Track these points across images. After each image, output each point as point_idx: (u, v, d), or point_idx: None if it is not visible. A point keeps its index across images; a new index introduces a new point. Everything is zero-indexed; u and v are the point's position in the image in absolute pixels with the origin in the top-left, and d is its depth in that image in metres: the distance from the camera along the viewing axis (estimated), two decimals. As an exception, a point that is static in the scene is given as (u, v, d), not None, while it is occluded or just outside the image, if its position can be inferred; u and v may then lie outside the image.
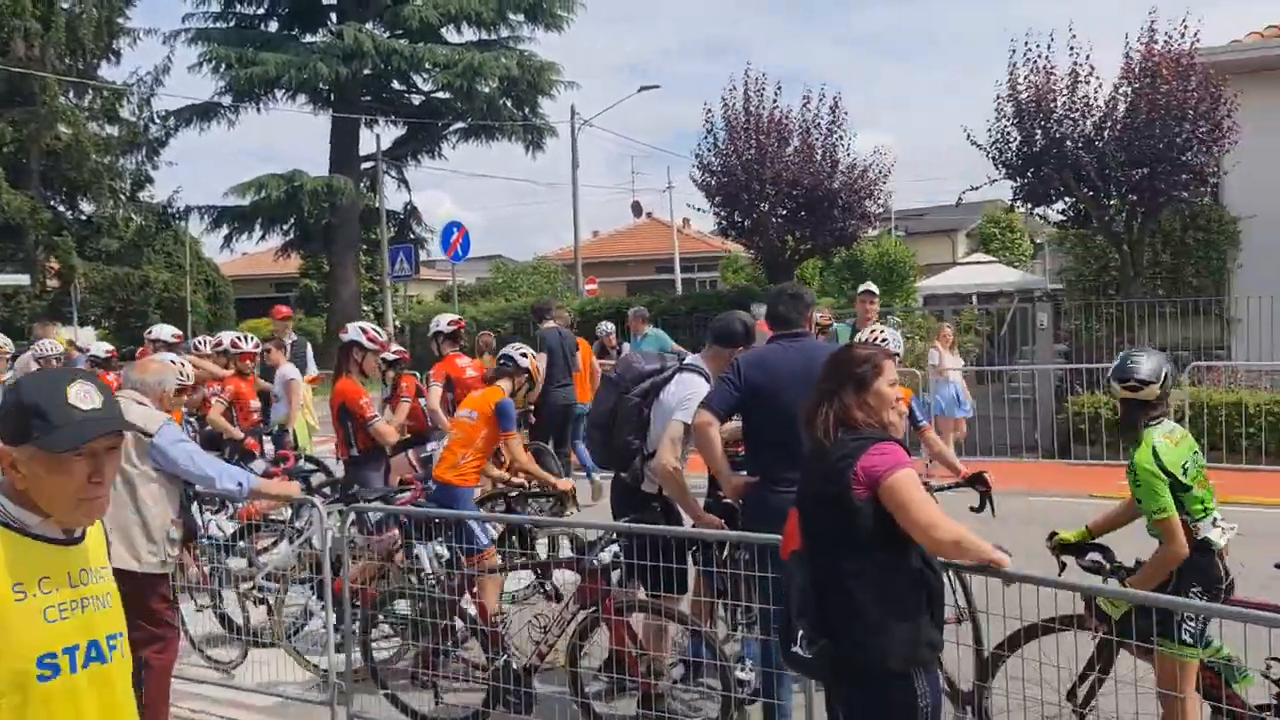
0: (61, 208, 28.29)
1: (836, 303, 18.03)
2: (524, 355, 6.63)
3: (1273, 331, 13.70)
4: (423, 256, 34.48)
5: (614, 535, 5.10)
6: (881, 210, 16.28)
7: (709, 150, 16.67)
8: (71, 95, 26.96)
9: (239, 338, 9.66)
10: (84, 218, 28.24)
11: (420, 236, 31.67)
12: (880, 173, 16.17)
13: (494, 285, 36.10)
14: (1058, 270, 20.51)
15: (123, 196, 27.81)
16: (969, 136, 14.27)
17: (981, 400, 12.86)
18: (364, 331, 7.25)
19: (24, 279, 24.03)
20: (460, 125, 31.50)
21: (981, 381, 14.21)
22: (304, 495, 5.85)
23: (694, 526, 5.13)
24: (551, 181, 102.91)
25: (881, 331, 6.56)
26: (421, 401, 8.91)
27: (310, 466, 10.30)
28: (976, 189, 14.76)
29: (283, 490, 5.66)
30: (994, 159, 14.34)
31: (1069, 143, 13.45)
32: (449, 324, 8.94)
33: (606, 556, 4.98)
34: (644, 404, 5.38)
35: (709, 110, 16.64)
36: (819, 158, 15.87)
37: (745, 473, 5.02)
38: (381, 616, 5.86)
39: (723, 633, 5.67)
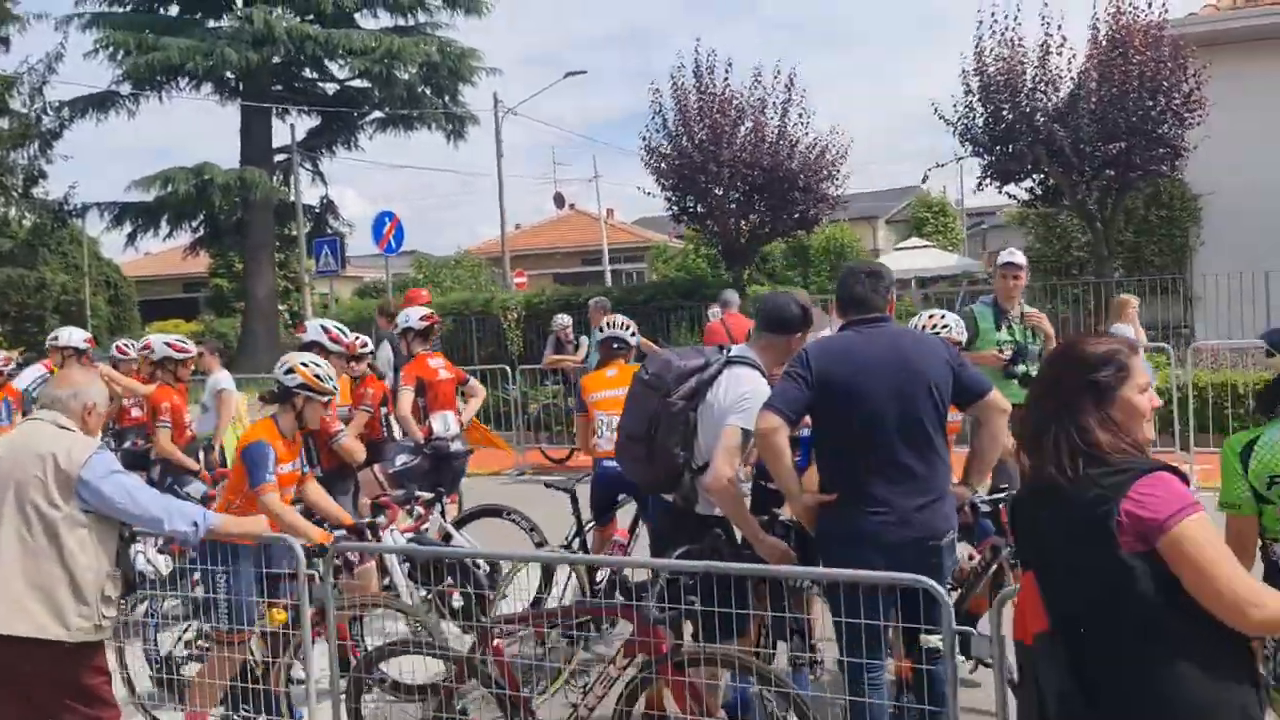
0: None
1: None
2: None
3: (1233, 309, 13.32)
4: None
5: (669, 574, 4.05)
6: (840, 192, 15.49)
7: (658, 132, 15.67)
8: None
9: (178, 342, 8.28)
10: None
11: (340, 230, 29.97)
12: (838, 153, 15.37)
13: (415, 282, 34.57)
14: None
15: (14, 193, 25.56)
16: (936, 111, 13.58)
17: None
18: (325, 330, 6.07)
19: (-94, 283, 21.84)
20: (378, 115, 29.89)
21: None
22: (275, 534, 4.69)
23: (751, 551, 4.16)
24: (470, 173, 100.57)
25: (942, 317, 5.61)
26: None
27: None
28: (942, 166, 14.17)
29: (249, 528, 4.50)
30: (960, 136, 13.67)
31: (1040, 117, 12.82)
32: (420, 319, 7.75)
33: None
34: (689, 408, 4.36)
35: (656, 91, 15.65)
36: (775, 137, 14.98)
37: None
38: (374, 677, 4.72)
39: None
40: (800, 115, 15.09)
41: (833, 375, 3.81)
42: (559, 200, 39.93)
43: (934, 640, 3.47)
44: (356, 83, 29.61)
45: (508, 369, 14.42)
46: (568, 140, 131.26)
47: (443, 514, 6.72)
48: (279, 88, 28.77)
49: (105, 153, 78.93)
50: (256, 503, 4.77)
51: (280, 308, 31.86)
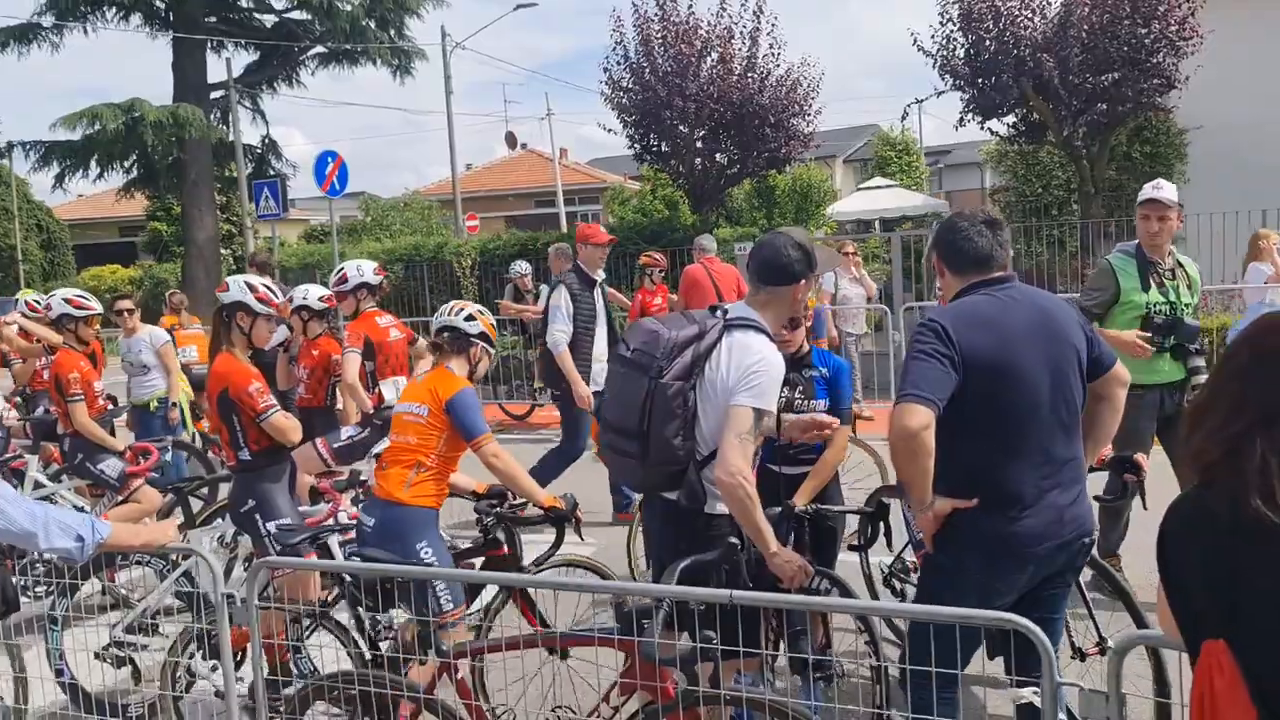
0: None
1: (756, 235, 16.21)
2: (472, 319, 4.59)
3: (1221, 251, 12.69)
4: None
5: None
6: (812, 129, 14.52)
7: (619, 64, 14.58)
8: None
9: (79, 297, 7.23)
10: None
11: (282, 172, 28.45)
12: (810, 87, 14.37)
13: (363, 225, 33.17)
14: (992, 190, 19.26)
15: (-71, 132, 23.80)
16: (915, 42, 12.65)
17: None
18: (251, 289, 5.10)
19: None
20: (320, 49, 28.24)
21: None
22: (182, 543, 3.79)
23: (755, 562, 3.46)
24: (418, 110, 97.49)
25: None
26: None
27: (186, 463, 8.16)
28: (921, 101, 13.24)
29: (149, 537, 3.61)
30: (940, 68, 12.77)
31: (1026, 46, 11.96)
32: (320, 300, 6.79)
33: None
34: (687, 388, 3.50)
35: (618, 19, 14.52)
36: (744, 69, 13.97)
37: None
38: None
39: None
40: (771, 46, 14.05)
41: (978, 350, 3.05)
42: (511, 140, 38.55)
43: (1027, 694, 2.70)
44: (296, 14, 27.90)
45: (462, 319, 13.44)
46: (518, 76, 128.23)
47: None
48: (213, 19, 27.01)
49: (36, 96, 75.25)
50: (479, 454, 4.27)
51: (224, 252, 30.36)
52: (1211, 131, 13.22)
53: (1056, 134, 12.63)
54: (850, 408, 4.61)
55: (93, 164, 26.55)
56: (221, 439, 5.10)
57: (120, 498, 6.70)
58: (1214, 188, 12.96)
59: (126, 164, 27.04)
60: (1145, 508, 3.76)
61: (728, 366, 3.35)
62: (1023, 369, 3.05)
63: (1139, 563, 5.05)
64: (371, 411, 6.41)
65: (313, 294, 6.83)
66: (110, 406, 7.38)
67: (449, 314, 4.56)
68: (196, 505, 7.15)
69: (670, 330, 3.47)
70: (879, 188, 25.47)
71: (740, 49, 14.08)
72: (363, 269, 6.67)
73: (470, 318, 4.49)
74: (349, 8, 26.87)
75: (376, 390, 6.47)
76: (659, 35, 14.03)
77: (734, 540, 3.49)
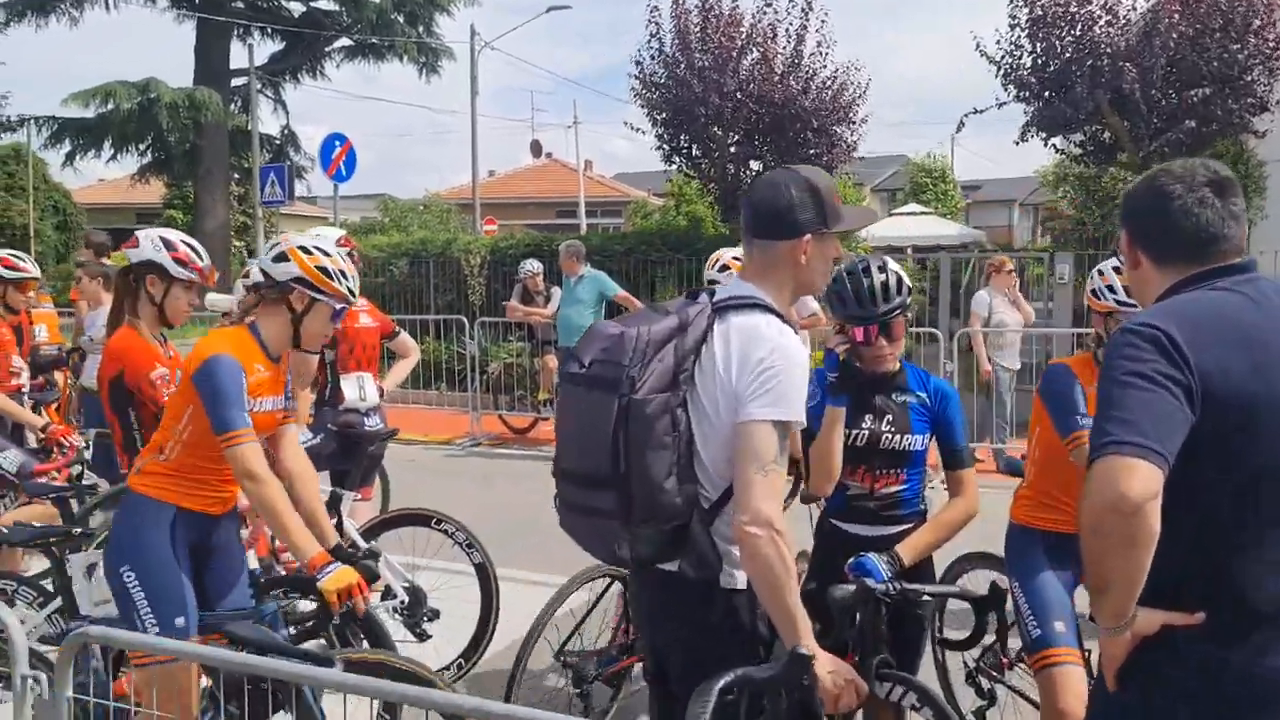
0: None
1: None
2: (285, 259, 3.13)
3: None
4: (302, 191, 30.21)
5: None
6: (856, 138, 13.22)
7: (652, 57, 13.31)
8: None
9: (10, 256, 6.10)
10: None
11: (299, 165, 27.31)
12: (856, 91, 13.06)
13: (381, 225, 32.11)
14: (1044, 219, 17.86)
15: (-62, 101, 22.76)
16: (979, 47, 11.35)
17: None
18: (167, 246, 3.80)
19: None
20: (346, 41, 27.18)
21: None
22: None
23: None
24: (442, 110, 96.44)
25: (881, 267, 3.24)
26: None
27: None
28: (981, 112, 11.86)
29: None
30: (1004, 77, 11.46)
31: (1105, 55, 10.62)
32: (338, 242, 5.49)
33: None
34: (675, 400, 2.20)
35: (654, 9, 13.24)
36: (786, 68, 12.63)
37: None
38: None
39: None
40: (820, 44, 12.71)
41: (1223, 373, 1.86)
42: (536, 148, 37.54)
43: None
44: (323, 3, 26.87)
45: (465, 321, 12.16)
46: (546, 84, 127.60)
47: (340, 521, 4.53)
48: (239, 4, 25.97)
49: (55, 80, 74.55)
50: (223, 456, 2.90)
51: (237, 243, 29.26)
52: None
53: (1131, 154, 11.22)
54: (966, 446, 3.27)
55: (106, 145, 25.46)
56: (114, 438, 3.82)
57: (21, 500, 5.42)
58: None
59: (141, 147, 25.95)
60: None
61: (727, 365, 2.22)
62: None
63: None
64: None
65: (330, 237, 5.53)
66: (27, 388, 6.11)
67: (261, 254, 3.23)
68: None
69: (638, 326, 2.22)
70: (912, 214, 24.19)
71: (785, 47, 12.77)
72: (323, 238, 5.35)
73: (282, 257, 3.11)
74: (378, 0, 25.83)
75: (334, 386, 5.17)
76: (698, 27, 12.74)
77: (803, 652, 2.18)
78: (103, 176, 37.02)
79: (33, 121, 24.91)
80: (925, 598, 2.85)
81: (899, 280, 3.07)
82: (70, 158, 25.42)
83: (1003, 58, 11.41)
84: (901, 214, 23.44)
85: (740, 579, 2.24)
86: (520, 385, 11.69)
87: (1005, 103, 11.57)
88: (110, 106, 23.81)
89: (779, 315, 2.28)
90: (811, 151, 12.46)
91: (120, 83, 23.84)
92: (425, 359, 11.69)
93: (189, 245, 3.86)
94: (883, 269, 3.08)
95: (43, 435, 5.29)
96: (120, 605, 2.93)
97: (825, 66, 12.69)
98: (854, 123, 13.09)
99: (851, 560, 2.86)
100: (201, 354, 2.94)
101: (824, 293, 2.85)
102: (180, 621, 2.86)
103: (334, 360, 5.15)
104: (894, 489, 3.14)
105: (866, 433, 3.11)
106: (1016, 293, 9.25)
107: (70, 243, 35.46)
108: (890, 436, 3.11)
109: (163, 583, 2.89)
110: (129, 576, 2.88)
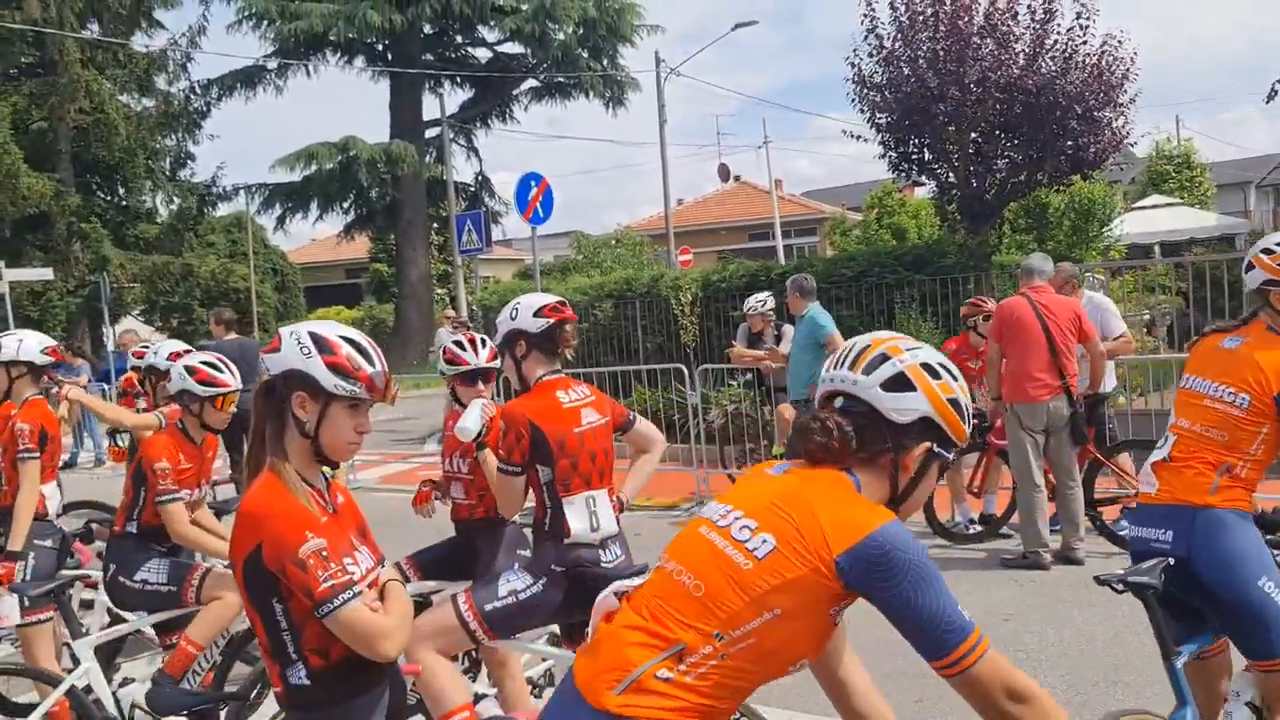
0: (100, 193, 24.08)
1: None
2: None
3: None
4: (498, 235, 29.90)
5: None
6: (1125, 124, 10.93)
7: (871, 56, 11.49)
8: (99, 61, 22.63)
9: (207, 367, 4.64)
10: (121, 203, 23.96)
11: (494, 210, 26.89)
12: (1121, 71, 10.79)
13: (574, 263, 31.42)
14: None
15: (162, 176, 23.43)
16: None
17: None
18: (319, 347, 2.38)
19: (46, 273, 19.69)
20: (533, 83, 26.59)
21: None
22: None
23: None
24: (629, 142, 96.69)
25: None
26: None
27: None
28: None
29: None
30: None
31: None
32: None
33: None
34: None
35: (869, 3, 11.42)
36: (1032, 50, 10.52)
37: None
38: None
39: None
40: (1079, 16, 10.51)
41: None
42: (724, 172, 35.96)
43: None
44: (509, 47, 26.41)
45: (683, 368, 10.62)
46: (729, 107, 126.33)
47: None
48: (429, 57, 25.82)
49: (262, 147, 79.22)
50: None
51: (439, 291, 29.20)
52: None
53: None
54: None
55: (312, 206, 25.81)
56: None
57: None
58: None
59: (344, 205, 26.17)
60: None
61: None
62: None
63: None
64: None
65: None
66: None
67: None
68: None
69: None
70: (1156, 207, 21.13)
71: (1028, 27, 10.68)
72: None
73: None
74: (561, 37, 25.08)
75: (554, 514, 3.66)
76: (925, 14, 10.83)
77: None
78: (313, 236, 38.12)
79: (245, 190, 25.47)
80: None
81: None
82: (281, 221, 25.92)
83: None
84: (1142, 208, 20.47)
85: None
86: (748, 437, 10.05)
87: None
88: (314, 168, 23.99)
89: None
90: (1080, 141, 10.28)
91: (321, 144, 23.99)
92: (638, 409, 10.28)
93: (353, 344, 2.40)
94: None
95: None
96: None
97: (1086, 41, 10.49)
98: (1120, 105, 10.81)
99: None
100: None
101: None
102: None
103: (550, 480, 3.62)
104: None
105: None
106: None
107: (288, 302, 36.73)
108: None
109: None
110: None
